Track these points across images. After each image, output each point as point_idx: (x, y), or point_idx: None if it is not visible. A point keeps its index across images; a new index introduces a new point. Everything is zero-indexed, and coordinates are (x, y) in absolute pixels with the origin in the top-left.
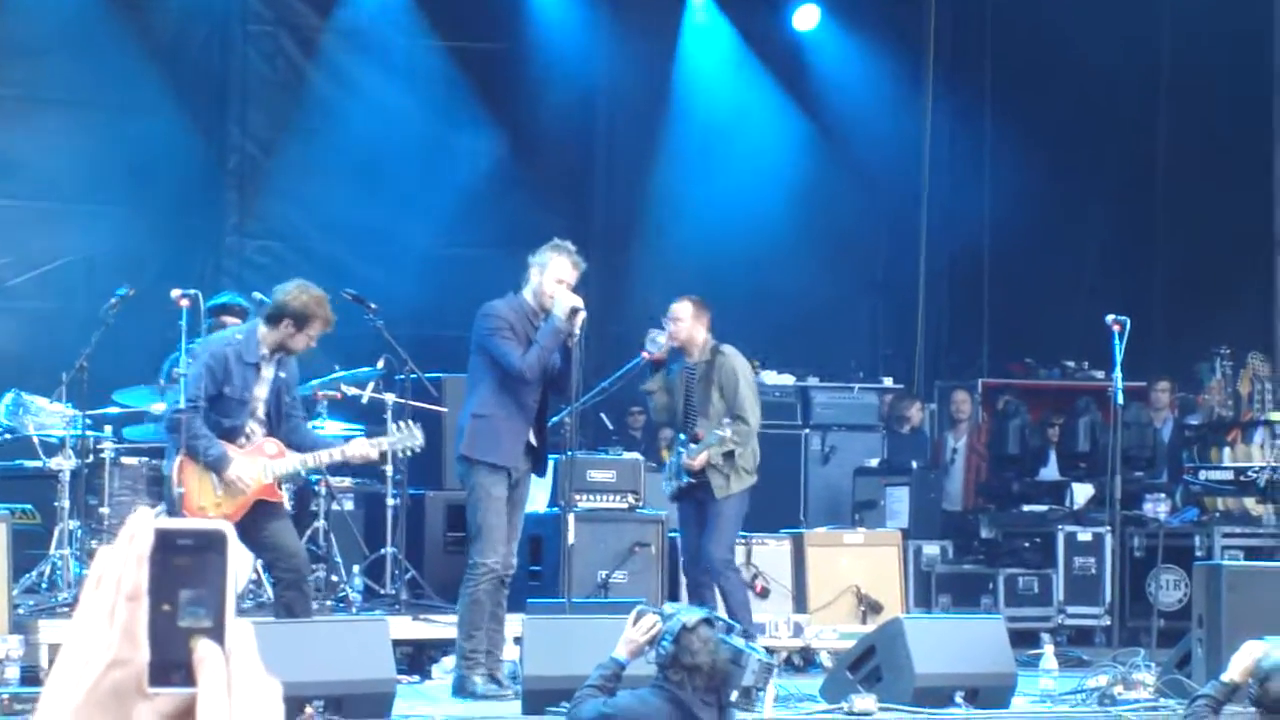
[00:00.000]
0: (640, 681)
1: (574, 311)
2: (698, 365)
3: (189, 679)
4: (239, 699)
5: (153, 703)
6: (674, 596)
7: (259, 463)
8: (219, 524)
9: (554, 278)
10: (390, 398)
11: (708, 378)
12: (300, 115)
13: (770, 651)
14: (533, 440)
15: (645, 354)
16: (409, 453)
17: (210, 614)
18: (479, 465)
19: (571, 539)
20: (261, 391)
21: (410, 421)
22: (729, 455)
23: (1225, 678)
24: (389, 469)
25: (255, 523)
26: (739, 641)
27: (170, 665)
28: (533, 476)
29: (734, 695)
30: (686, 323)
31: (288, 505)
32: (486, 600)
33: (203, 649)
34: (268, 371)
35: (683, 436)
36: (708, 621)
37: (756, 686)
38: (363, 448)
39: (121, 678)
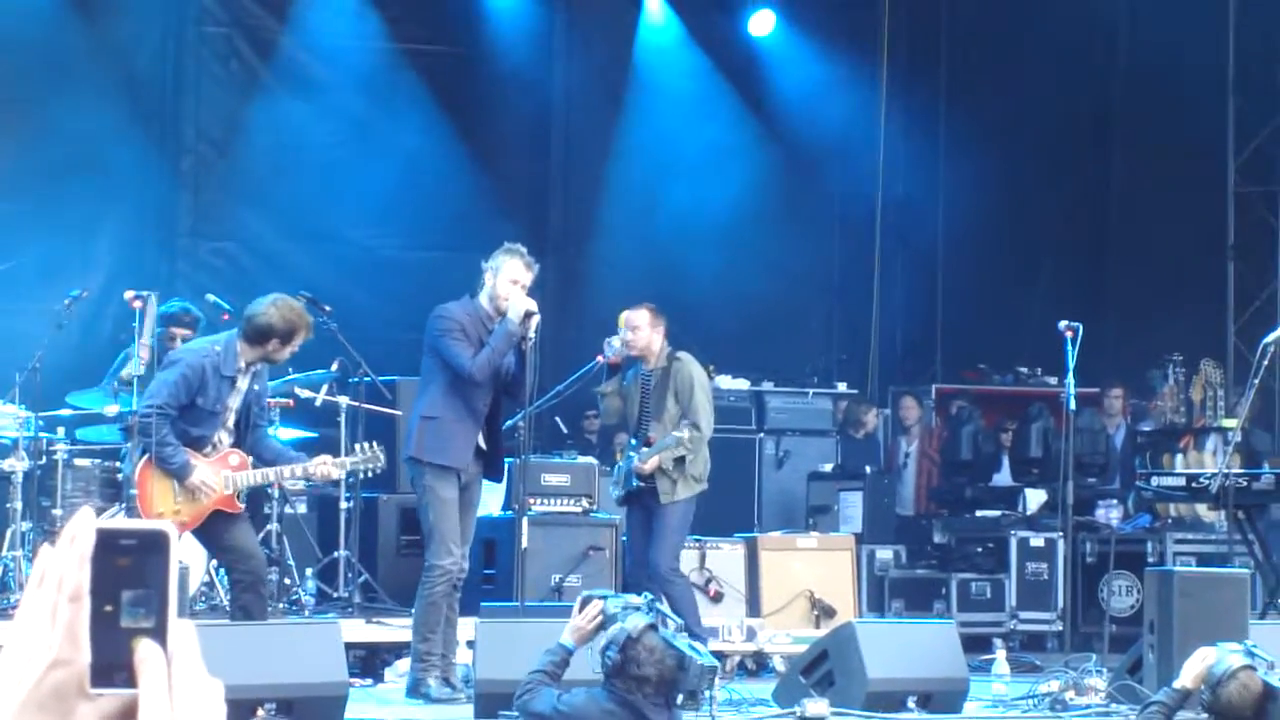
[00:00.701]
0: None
1: (528, 315)
2: (654, 371)
3: (131, 680)
4: (180, 700)
5: (95, 703)
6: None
7: (221, 473)
8: (161, 525)
9: (507, 279)
10: (344, 400)
11: (664, 384)
12: (254, 117)
13: (721, 655)
14: (482, 444)
15: (601, 357)
16: (371, 473)
17: (152, 615)
18: (428, 467)
19: (525, 542)
20: (234, 403)
21: (373, 443)
22: (679, 461)
23: (1177, 684)
24: (345, 474)
25: (215, 526)
26: (683, 644)
27: (112, 666)
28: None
29: (679, 699)
30: (645, 331)
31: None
32: (443, 602)
33: (144, 649)
34: (243, 384)
35: (634, 441)
36: (653, 627)
37: (701, 689)
38: (325, 467)
39: (63, 678)
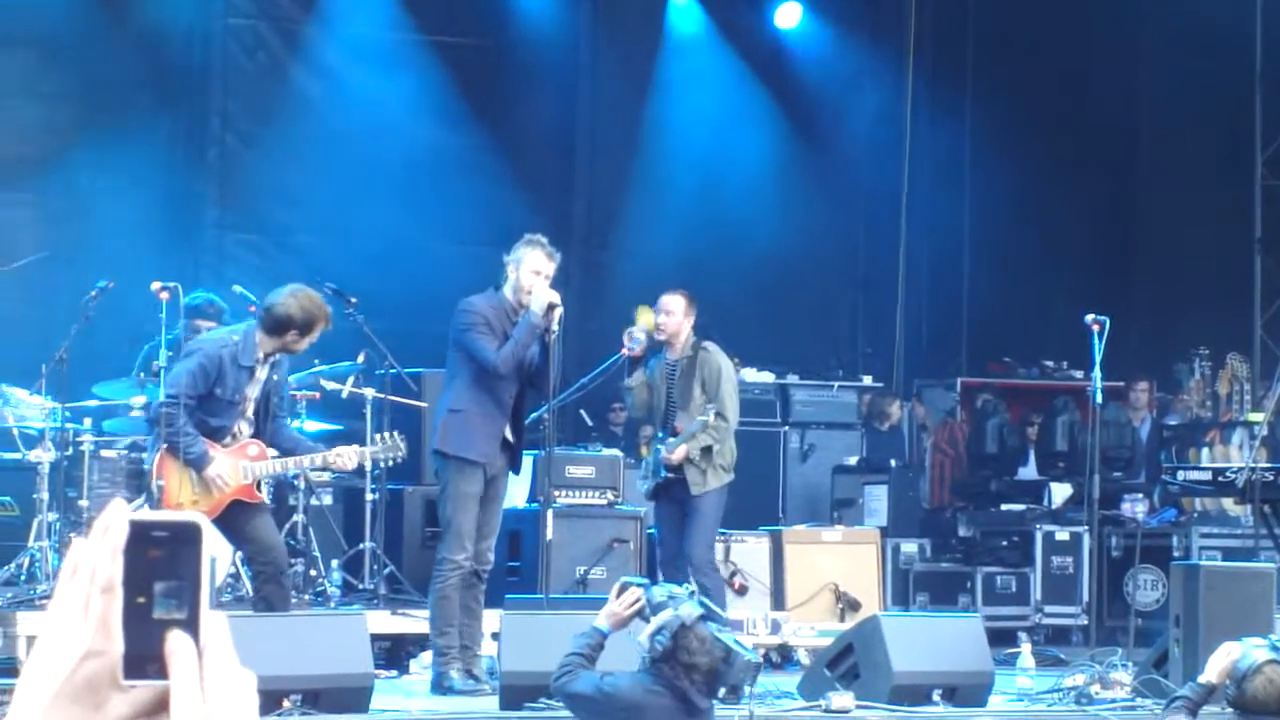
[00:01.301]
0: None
1: (551, 307)
2: (679, 360)
3: (163, 671)
4: (212, 691)
5: (127, 695)
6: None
7: (240, 464)
8: (194, 516)
9: (530, 271)
10: (370, 393)
11: (690, 373)
12: (281, 109)
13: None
14: (509, 436)
15: (625, 350)
16: (391, 463)
17: (184, 606)
18: (452, 460)
19: (550, 535)
20: (253, 393)
21: (395, 433)
22: (706, 451)
23: (1202, 679)
24: (368, 463)
25: (235, 517)
26: (729, 638)
27: (144, 657)
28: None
29: (721, 692)
30: (678, 316)
31: (267, 500)
32: (455, 595)
33: (175, 641)
34: (261, 373)
35: (661, 434)
36: (704, 618)
37: (744, 684)
38: (345, 456)
39: (96, 669)
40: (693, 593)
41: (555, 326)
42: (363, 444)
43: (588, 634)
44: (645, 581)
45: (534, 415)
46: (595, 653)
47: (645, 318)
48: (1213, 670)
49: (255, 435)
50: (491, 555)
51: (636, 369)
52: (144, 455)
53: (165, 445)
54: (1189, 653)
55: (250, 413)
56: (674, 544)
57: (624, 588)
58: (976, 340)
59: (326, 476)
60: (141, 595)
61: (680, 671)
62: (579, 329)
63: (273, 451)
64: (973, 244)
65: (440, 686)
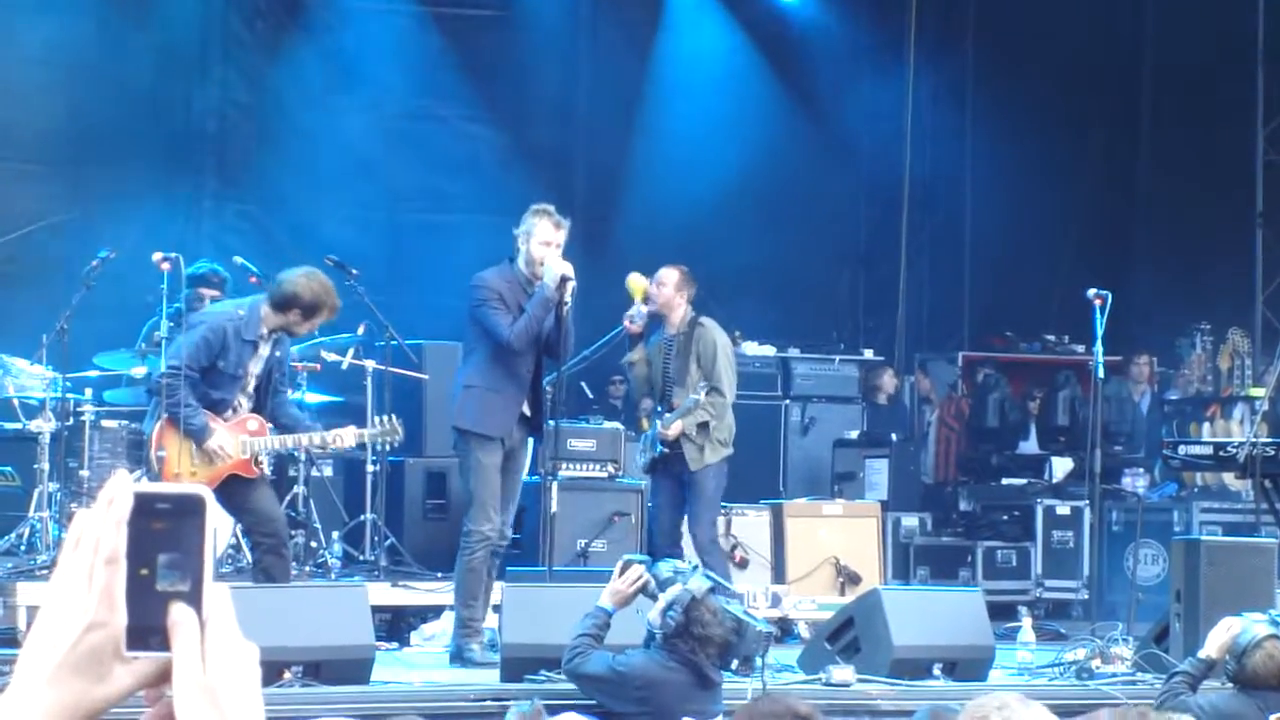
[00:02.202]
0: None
1: (564, 280)
2: (676, 336)
3: (166, 643)
4: (215, 663)
5: (130, 666)
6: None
7: (239, 438)
8: (197, 489)
9: (539, 242)
10: (370, 364)
11: (686, 348)
12: (281, 80)
13: None
14: (526, 410)
15: (627, 323)
16: (389, 446)
17: (187, 578)
18: (470, 435)
19: (554, 507)
20: (255, 368)
21: (393, 416)
22: (703, 426)
23: (1202, 654)
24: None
25: (235, 489)
26: (737, 609)
27: (147, 629)
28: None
29: (734, 664)
30: (669, 289)
31: (268, 472)
32: (482, 568)
33: (178, 613)
34: (265, 349)
35: (659, 408)
36: (713, 590)
37: (756, 654)
38: (343, 437)
39: (99, 640)
40: (696, 566)
41: (568, 298)
42: (363, 415)
43: (593, 614)
44: (647, 559)
45: (547, 379)
46: (603, 632)
47: (636, 284)
48: (1212, 645)
49: (256, 410)
50: (509, 529)
51: (637, 345)
52: (145, 425)
53: (166, 416)
54: (1189, 627)
55: (252, 388)
56: (669, 520)
57: (626, 565)
58: (978, 314)
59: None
60: (145, 567)
61: (694, 645)
62: (579, 302)
63: (271, 427)
64: (974, 218)
65: (460, 658)
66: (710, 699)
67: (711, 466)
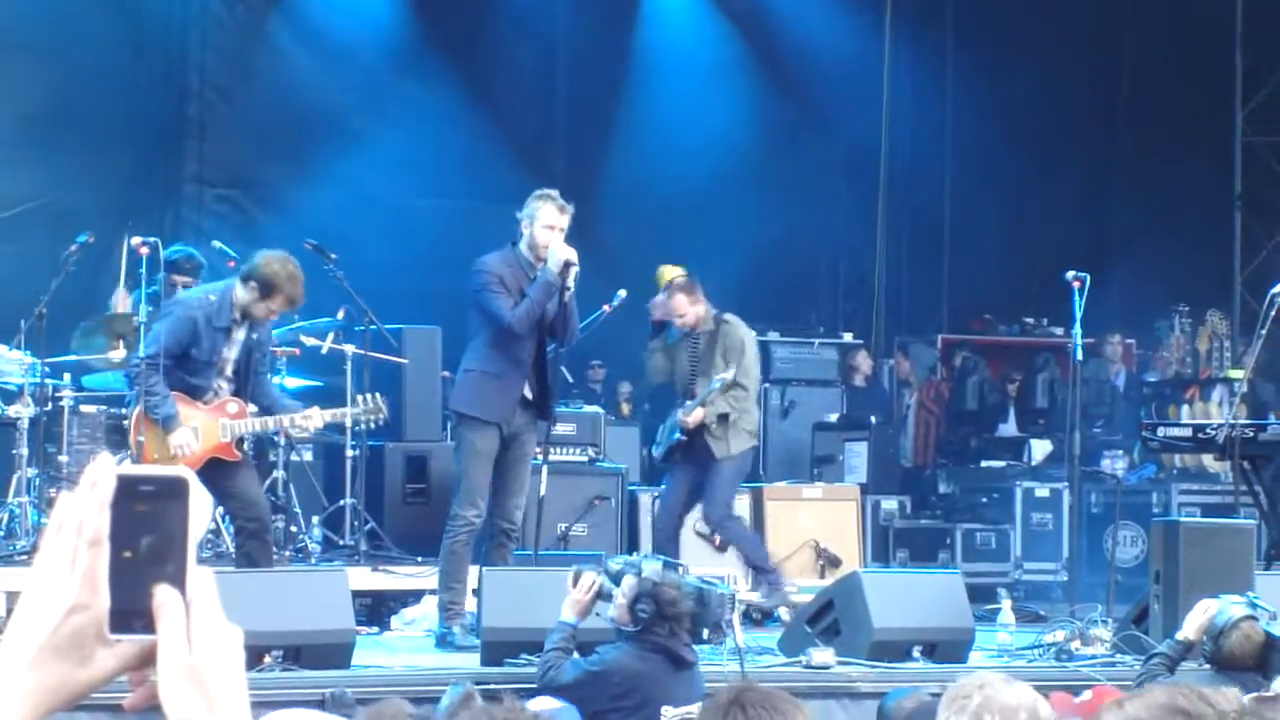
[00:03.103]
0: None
1: (567, 265)
2: (702, 334)
3: (149, 625)
4: (199, 645)
5: (113, 649)
6: (632, 548)
7: (219, 421)
8: (180, 471)
9: (543, 226)
10: (350, 349)
11: (712, 345)
12: (260, 64)
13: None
14: (528, 394)
15: (611, 301)
16: (373, 425)
17: (170, 560)
18: (466, 419)
19: (544, 489)
20: (231, 353)
21: (377, 395)
22: (723, 418)
23: (1180, 636)
24: (349, 424)
25: (217, 473)
26: (694, 579)
27: (131, 612)
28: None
29: (705, 633)
30: (688, 313)
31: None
32: (465, 552)
33: (163, 595)
34: (239, 334)
35: (679, 401)
36: (667, 566)
37: (725, 619)
38: (325, 417)
39: (82, 623)
40: (645, 555)
41: (571, 283)
42: (342, 400)
43: (558, 629)
44: (590, 566)
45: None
46: (570, 644)
47: (665, 273)
48: (1190, 627)
49: (237, 393)
50: (519, 514)
51: (660, 334)
52: (124, 411)
53: (139, 404)
54: (1169, 609)
55: (230, 371)
56: (675, 506)
57: (578, 575)
58: (957, 297)
59: (308, 433)
60: (128, 549)
61: (670, 627)
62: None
63: (253, 408)
64: (953, 200)
65: (443, 641)
66: (689, 681)
67: (736, 455)
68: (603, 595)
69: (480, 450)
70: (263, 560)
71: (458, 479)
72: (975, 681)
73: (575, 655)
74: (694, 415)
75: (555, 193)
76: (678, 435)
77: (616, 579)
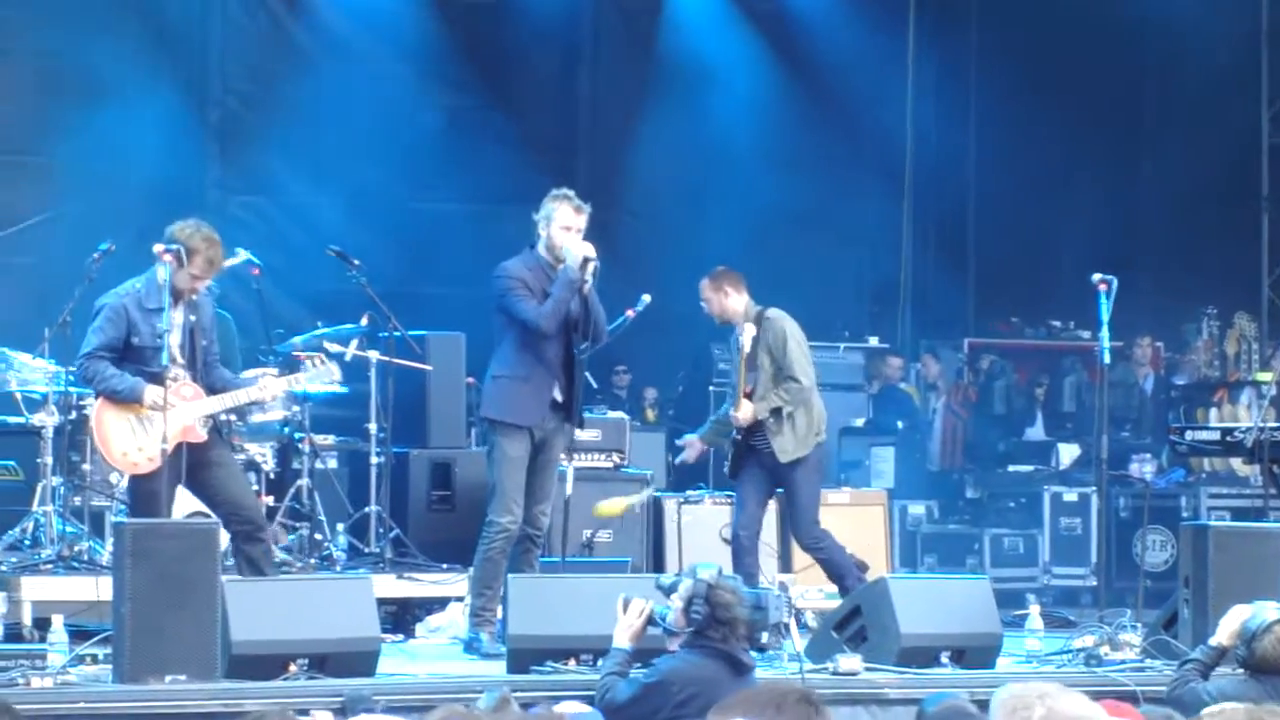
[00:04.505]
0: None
1: (586, 260)
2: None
3: None
4: None
5: None
6: (658, 555)
7: (180, 408)
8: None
9: (560, 226)
10: (374, 355)
11: (755, 341)
12: (282, 69)
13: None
14: (558, 396)
15: (631, 311)
16: (327, 386)
17: None
18: (498, 425)
19: (569, 490)
20: (174, 337)
21: (325, 358)
22: (776, 412)
23: (1213, 642)
24: (373, 426)
25: (203, 478)
26: (744, 586)
27: None
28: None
29: (764, 637)
30: (711, 300)
31: (247, 456)
32: (501, 559)
33: None
34: (176, 316)
35: (727, 403)
36: (721, 573)
37: (783, 621)
38: (278, 385)
39: None
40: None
41: (589, 278)
42: (367, 408)
43: (612, 655)
44: (620, 567)
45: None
46: (625, 669)
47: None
48: (1223, 633)
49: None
50: (545, 519)
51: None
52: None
53: (98, 397)
54: (1198, 613)
55: (180, 358)
56: (751, 512)
57: (627, 602)
58: (983, 300)
59: (331, 440)
60: None
61: (725, 632)
62: None
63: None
64: (979, 203)
65: (471, 647)
66: (748, 686)
67: (803, 459)
68: (653, 621)
69: (513, 456)
70: (264, 563)
71: (492, 486)
72: (1035, 691)
73: (628, 679)
74: (744, 412)
75: (571, 193)
76: (735, 434)
77: (670, 590)
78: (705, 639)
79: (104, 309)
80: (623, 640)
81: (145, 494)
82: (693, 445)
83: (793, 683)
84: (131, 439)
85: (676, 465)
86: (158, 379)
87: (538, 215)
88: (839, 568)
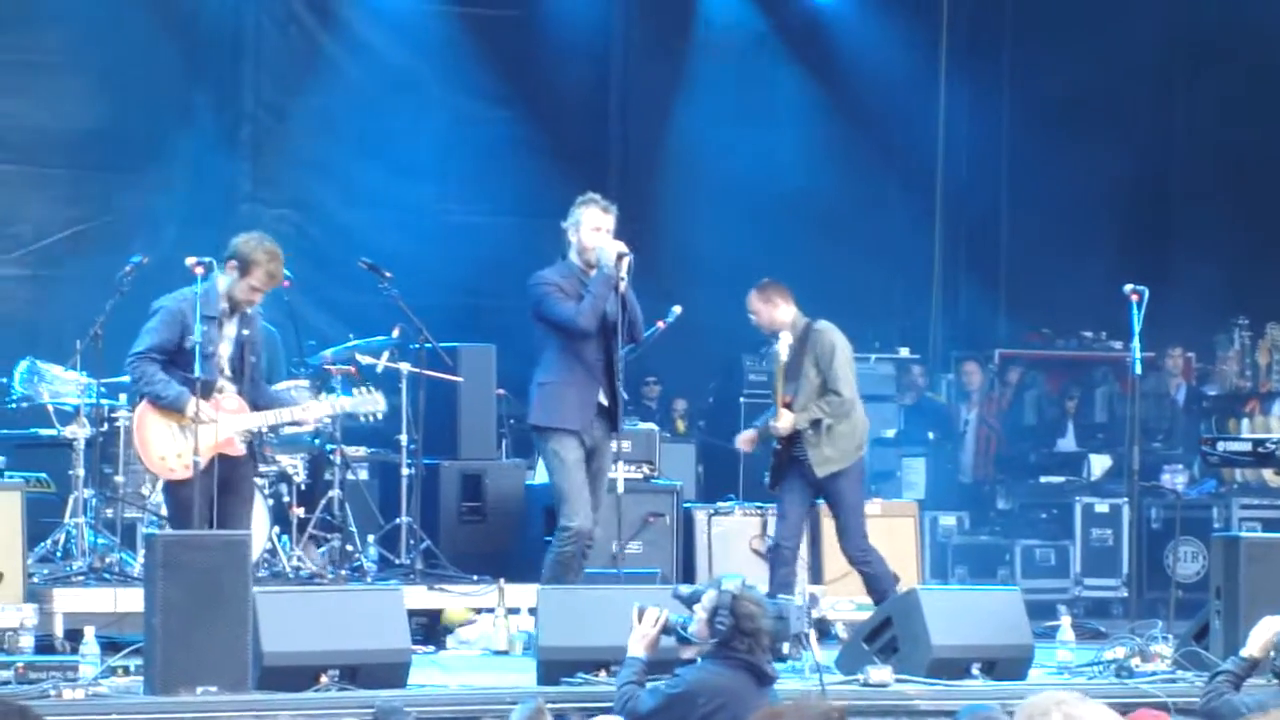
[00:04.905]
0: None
1: (620, 256)
2: (792, 342)
3: None
4: None
5: None
6: (688, 566)
7: (222, 419)
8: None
9: (589, 229)
10: (405, 367)
11: (800, 352)
12: (314, 82)
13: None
14: (603, 400)
15: (661, 323)
16: (371, 418)
17: None
18: (547, 432)
19: (621, 488)
20: (225, 348)
21: (372, 387)
22: (816, 424)
23: (1245, 653)
24: (404, 438)
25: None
26: (767, 597)
27: None
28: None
29: (785, 647)
30: (760, 312)
31: (279, 468)
32: (572, 563)
33: None
34: (229, 328)
35: (771, 411)
36: (745, 583)
37: (804, 632)
38: (321, 409)
39: None
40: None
41: (624, 274)
42: (397, 418)
43: (627, 665)
44: (650, 578)
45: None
46: (642, 678)
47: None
48: (1255, 644)
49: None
50: (596, 528)
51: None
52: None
53: (143, 399)
54: (1230, 625)
55: (227, 368)
56: (793, 523)
57: (642, 611)
58: (1014, 311)
59: (363, 451)
60: None
61: (749, 643)
62: None
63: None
64: (1010, 214)
65: (530, 648)
66: (771, 698)
67: (843, 472)
68: (670, 629)
69: (569, 460)
70: None
71: (557, 493)
72: (1051, 699)
73: (649, 688)
74: (784, 421)
75: (597, 195)
76: (774, 443)
77: (692, 600)
78: (730, 650)
79: (160, 310)
80: (637, 649)
81: (180, 501)
82: (747, 437)
83: (822, 699)
84: (170, 444)
85: (743, 454)
86: (206, 386)
87: (566, 223)
88: (881, 582)
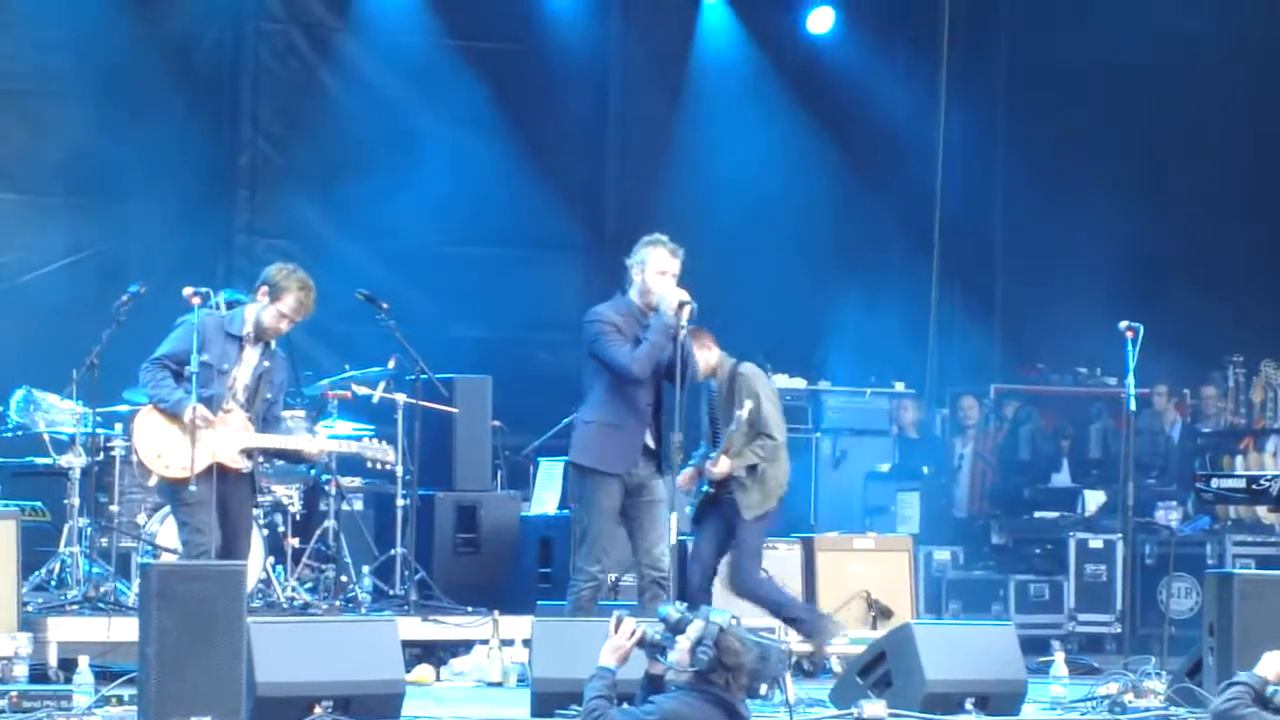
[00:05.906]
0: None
1: (681, 305)
2: (720, 385)
3: None
4: None
5: None
6: (682, 596)
7: (222, 432)
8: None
9: (655, 271)
10: (401, 398)
11: (729, 398)
12: (312, 114)
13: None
14: (650, 442)
15: None
16: (379, 465)
17: None
18: (588, 473)
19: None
20: (243, 372)
21: (383, 441)
22: (752, 469)
23: (1258, 671)
24: (399, 469)
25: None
26: (751, 636)
27: None
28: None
29: (763, 688)
30: (694, 354)
31: (274, 498)
32: (588, 606)
33: None
34: (251, 354)
35: (703, 451)
36: (733, 619)
37: (782, 674)
38: (327, 444)
39: None
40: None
41: (685, 324)
42: (395, 451)
43: (598, 676)
44: (629, 613)
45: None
46: (611, 691)
47: None
48: (1268, 668)
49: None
50: (666, 559)
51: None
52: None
53: (148, 403)
54: (1223, 661)
55: (241, 395)
56: (707, 560)
57: (619, 621)
58: (1009, 346)
59: (358, 482)
60: None
61: (728, 678)
62: None
63: None
64: (1006, 249)
65: None
66: None
67: (763, 518)
68: (645, 643)
69: (604, 506)
70: None
71: (582, 533)
72: None
73: (624, 705)
74: (721, 466)
75: (665, 238)
76: (706, 487)
77: (678, 627)
78: (707, 683)
79: (186, 322)
80: (609, 660)
81: (184, 497)
82: (687, 475)
83: None
84: (168, 444)
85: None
86: (214, 401)
87: (630, 260)
88: (777, 604)
